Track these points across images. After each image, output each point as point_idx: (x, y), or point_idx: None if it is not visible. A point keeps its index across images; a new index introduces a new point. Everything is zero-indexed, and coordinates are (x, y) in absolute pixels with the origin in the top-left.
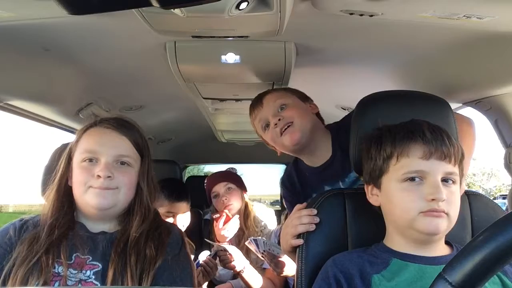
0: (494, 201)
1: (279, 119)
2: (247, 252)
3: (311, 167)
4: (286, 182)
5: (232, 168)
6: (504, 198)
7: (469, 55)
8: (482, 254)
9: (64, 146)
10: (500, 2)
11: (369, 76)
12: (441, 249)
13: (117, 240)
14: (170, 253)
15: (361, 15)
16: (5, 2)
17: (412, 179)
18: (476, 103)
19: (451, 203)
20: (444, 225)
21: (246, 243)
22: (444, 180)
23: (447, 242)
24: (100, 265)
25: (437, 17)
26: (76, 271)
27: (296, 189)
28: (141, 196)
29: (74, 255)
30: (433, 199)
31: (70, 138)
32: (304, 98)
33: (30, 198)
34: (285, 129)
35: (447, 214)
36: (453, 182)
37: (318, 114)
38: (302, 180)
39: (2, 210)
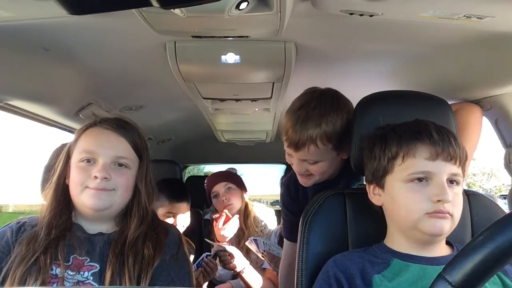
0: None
1: (304, 171)
2: (247, 252)
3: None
4: (290, 185)
5: (232, 168)
6: (504, 198)
7: (469, 55)
8: (482, 254)
9: (64, 146)
10: (499, 2)
11: (369, 76)
12: (442, 250)
13: (114, 241)
14: (168, 253)
15: (361, 15)
16: (5, 2)
17: (418, 179)
18: (476, 103)
19: (456, 204)
20: (448, 227)
21: (247, 243)
22: (449, 181)
23: (447, 242)
24: (97, 266)
25: (437, 17)
26: (73, 273)
27: (296, 194)
28: (139, 197)
29: (71, 256)
30: (438, 200)
31: (70, 138)
32: (341, 147)
33: (30, 198)
34: (302, 175)
35: (451, 215)
36: (457, 183)
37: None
38: (306, 189)
39: (2, 210)
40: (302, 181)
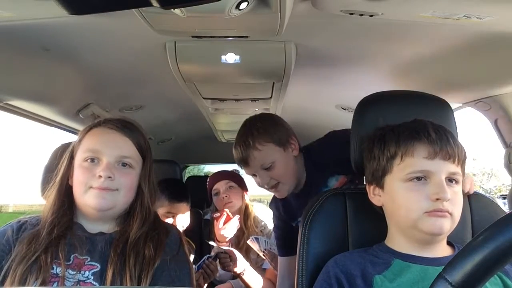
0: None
1: (268, 181)
2: (246, 252)
3: (293, 193)
4: (272, 206)
5: (236, 170)
6: (504, 198)
7: (469, 55)
8: (482, 254)
9: (64, 146)
10: (500, 2)
11: (369, 76)
12: (443, 250)
13: (116, 241)
14: (168, 253)
15: (361, 15)
16: (5, 2)
17: (416, 178)
18: (476, 103)
19: (455, 203)
20: (448, 226)
21: (248, 241)
22: (448, 180)
23: (448, 243)
24: (98, 265)
25: (437, 17)
26: (74, 272)
27: (280, 213)
28: (142, 198)
29: (72, 255)
30: (437, 199)
31: (70, 138)
32: (283, 142)
33: (30, 198)
34: (272, 188)
35: (450, 214)
36: (456, 182)
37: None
38: (286, 204)
39: (2, 210)
40: (276, 194)
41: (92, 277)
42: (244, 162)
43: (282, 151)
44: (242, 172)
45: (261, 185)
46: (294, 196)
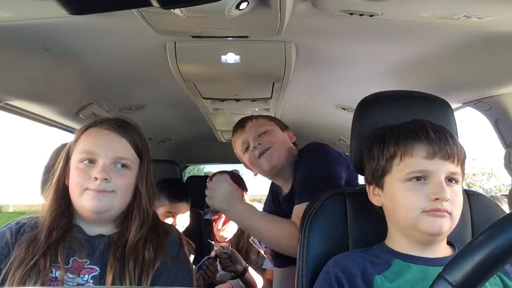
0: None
1: (259, 143)
2: (246, 253)
3: (282, 195)
4: (270, 193)
5: (235, 170)
6: (504, 198)
7: (469, 55)
8: (482, 254)
9: (64, 146)
10: (500, 2)
11: (369, 76)
12: (443, 250)
13: (115, 244)
14: (168, 254)
15: (361, 15)
16: (5, 2)
17: (416, 178)
18: (476, 103)
19: (454, 203)
20: (447, 225)
21: (250, 239)
22: (448, 179)
23: (449, 243)
24: (97, 268)
25: (437, 17)
26: (73, 276)
27: (275, 202)
28: (140, 200)
29: (71, 259)
30: (436, 199)
31: (70, 138)
32: (283, 127)
33: (30, 198)
34: (263, 153)
35: (450, 214)
36: (456, 181)
37: (294, 143)
38: (278, 201)
39: (2, 210)
40: (265, 160)
41: (91, 281)
42: (241, 125)
43: (280, 130)
44: (242, 172)
45: (253, 160)
46: (285, 198)
